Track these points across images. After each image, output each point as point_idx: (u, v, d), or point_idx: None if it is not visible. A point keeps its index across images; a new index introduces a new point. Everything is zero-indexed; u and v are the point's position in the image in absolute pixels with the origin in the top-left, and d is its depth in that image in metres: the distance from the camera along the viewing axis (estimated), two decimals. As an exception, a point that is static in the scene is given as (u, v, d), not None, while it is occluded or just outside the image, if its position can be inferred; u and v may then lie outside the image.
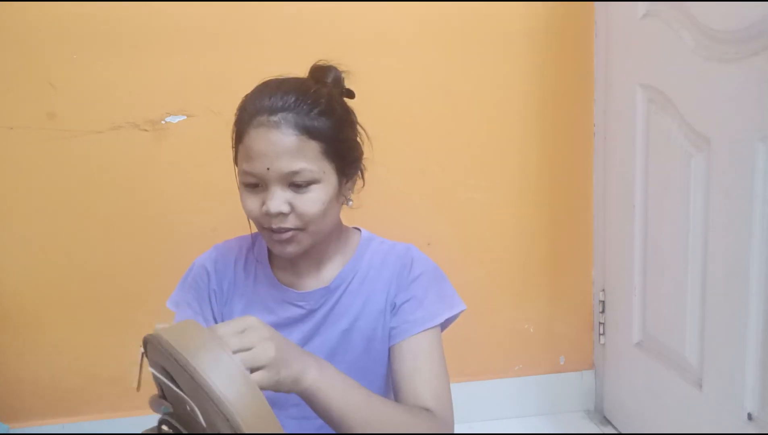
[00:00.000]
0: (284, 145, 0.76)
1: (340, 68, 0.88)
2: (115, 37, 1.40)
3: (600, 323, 1.63)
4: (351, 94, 0.90)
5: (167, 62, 1.42)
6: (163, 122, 1.45)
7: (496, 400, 1.63)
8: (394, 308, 0.88)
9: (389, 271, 0.90)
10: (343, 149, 0.82)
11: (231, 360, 0.55)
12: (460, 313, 0.90)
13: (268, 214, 0.78)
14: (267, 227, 0.80)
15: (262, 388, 0.59)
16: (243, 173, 0.80)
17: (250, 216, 0.82)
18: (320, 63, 0.88)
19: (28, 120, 1.42)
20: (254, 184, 0.80)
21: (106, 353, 1.52)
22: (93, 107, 1.42)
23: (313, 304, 0.89)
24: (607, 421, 1.63)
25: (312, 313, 0.89)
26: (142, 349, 0.61)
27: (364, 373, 0.88)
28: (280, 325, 0.89)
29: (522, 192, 1.59)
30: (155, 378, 0.59)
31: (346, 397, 0.70)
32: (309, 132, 0.77)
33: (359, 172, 0.90)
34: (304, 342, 0.88)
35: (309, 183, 0.79)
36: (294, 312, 0.89)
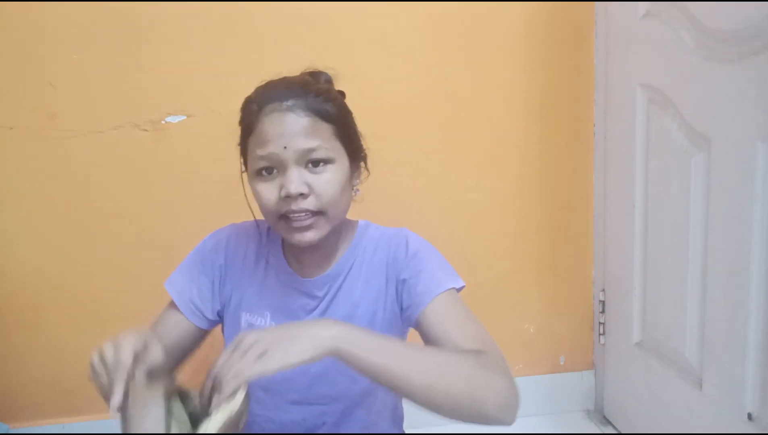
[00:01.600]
0: (300, 124, 0.79)
1: (329, 71, 0.91)
2: (115, 37, 1.40)
3: (600, 323, 1.63)
4: (342, 95, 0.91)
5: (167, 62, 1.42)
6: (163, 122, 1.45)
7: (496, 400, 1.63)
8: (398, 288, 0.88)
9: (383, 253, 0.91)
10: (350, 133, 0.86)
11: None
12: (461, 288, 0.90)
13: (288, 196, 0.79)
14: (285, 213, 0.80)
15: (285, 368, 0.64)
16: (257, 159, 0.80)
17: (266, 205, 0.82)
18: (310, 69, 0.90)
19: (28, 120, 1.42)
20: (269, 171, 0.80)
21: (106, 353, 1.52)
22: (93, 107, 1.42)
23: (317, 292, 0.90)
24: (607, 421, 1.63)
25: (317, 302, 0.90)
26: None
27: None
28: (289, 315, 0.90)
29: (522, 192, 1.59)
30: None
31: (382, 347, 0.70)
32: (320, 114, 0.81)
33: (364, 162, 0.91)
34: None
35: (325, 162, 0.81)
36: (300, 301, 0.91)
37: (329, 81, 0.89)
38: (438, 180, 1.55)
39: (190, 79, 1.43)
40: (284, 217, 0.81)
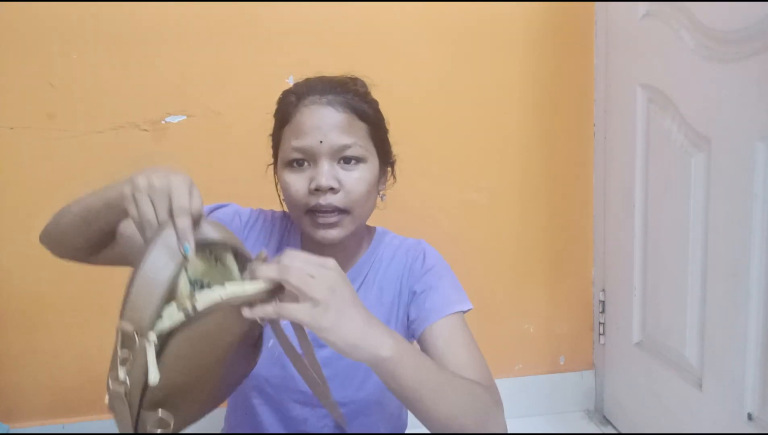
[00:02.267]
0: (337, 119, 0.80)
1: (367, 81, 0.90)
2: (115, 37, 1.40)
3: (600, 323, 1.63)
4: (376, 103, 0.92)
5: (167, 62, 1.42)
6: (163, 122, 1.44)
7: (496, 400, 1.63)
8: (414, 296, 0.89)
9: (399, 263, 0.91)
10: (383, 136, 0.88)
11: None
12: (467, 311, 0.91)
13: (319, 189, 0.78)
14: (312, 207, 0.80)
15: (297, 321, 0.59)
16: (291, 150, 0.81)
17: (294, 197, 0.81)
18: (348, 74, 0.90)
19: (28, 120, 1.42)
20: (301, 163, 0.80)
21: (106, 353, 1.51)
22: (93, 107, 1.42)
23: None
24: (607, 421, 1.63)
25: None
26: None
27: None
28: None
29: (522, 192, 1.59)
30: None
31: (421, 371, 0.67)
32: (357, 113, 0.82)
33: (392, 168, 0.93)
34: None
35: (357, 160, 0.81)
36: None
37: (365, 87, 0.90)
38: (438, 180, 1.55)
39: (190, 79, 1.43)
40: (311, 212, 0.81)
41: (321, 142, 0.78)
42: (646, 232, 1.39)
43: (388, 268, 0.91)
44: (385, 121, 0.90)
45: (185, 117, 1.45)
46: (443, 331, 0.84)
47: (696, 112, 1.19)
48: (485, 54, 1.52)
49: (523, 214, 1.60)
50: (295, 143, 0.80)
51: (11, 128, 1.42)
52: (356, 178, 0.81)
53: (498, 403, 0.76)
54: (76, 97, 1.42)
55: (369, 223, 1.00)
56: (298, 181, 0.81)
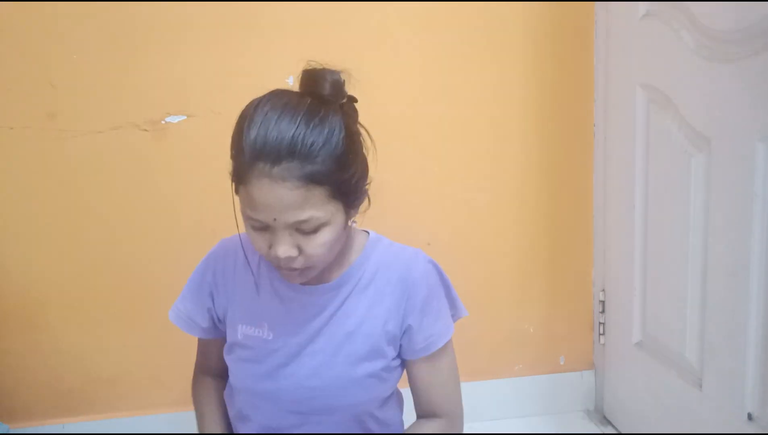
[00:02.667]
0: (290, 198, 0.72)
1: (337, 69, 0.79)
2: (115, 37, 1.40)
3: (600, 323, 1.63)
4: (353, 101, 0.84)
5: (167, 62, 1.42)
6: (163, 122, 1.44)
7: (496, 400, 1.63)
8: (408, 328, 0.89)
9: (396, 272, 0.89)
10: (350, 187, 0.78)
11: None
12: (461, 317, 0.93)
13: (277, 258, 0.77)
14: (274, 263, 0.80)
15: None
16: (248, 217, 0.77)
17: (257, 250, 0.80)
18: (311, 67, 0.79)
19: (28, 120, 1.42)
20: (260, 228, 0.77)
21: (106, 353, 1.52)
22: (93, 107, 1.42)
23: (318, 299, 0.89)
24: (607, 421, 1.63)
25: (319, 312, 0.89)
26: None
27: (365, 375, 0.89)
28: (287, 323, 0.89)
29: (522, 192, 1.59)
30: None
31: None
32: (314, 179, 0.73)
33: (366, 196, 0.86)
34: (310, 341, 0.88)
35: (317, 228, 0.76)
36: (300, 309, 0.89)
37: (336, 85, 0.78)
38: (438, 180, 1.55)
39: (190, 79, 1.43)
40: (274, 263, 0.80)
41: (275, 220, 0.74)
42: (646, 232, 1.39)
43: (385, 281, 0.89)
44: (358, 148, 0.80)
45: (185, 117, 1.45)
46: (424, 369, 0.92)
47: (696, 112, 1.19)
48: (485, 54, 1.51)
49: (523, 214, 1.60)
50: (250, 214, 0.76)
51: (11, 128, 1.42)
52: (318, 243, 0.77)
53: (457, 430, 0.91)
54: (76, 97, 1.42)
55: (368, 225, 1.00)
56: (259, 241, 0.78)
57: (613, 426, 1.60)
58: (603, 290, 1.61)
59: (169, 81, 1.43)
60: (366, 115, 0.90)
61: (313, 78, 0.78)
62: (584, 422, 1.64)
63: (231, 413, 0.98)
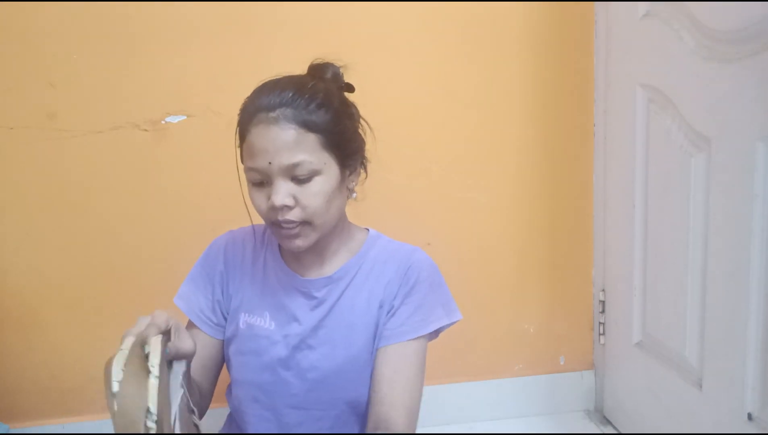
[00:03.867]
0: (283, 139, 0.78)
1: (338, 63, 0.90)
2: (115, 37, 1.40)
3: (600, 323, 1.63)
4: (350, 89, 0.91)
5: (167, 62, 1.42)
6: (163, 122, 1.45)
7: (496, 400, 1.63)
8: (390, 309, 0.89)
9: (392, 269, 0.91)
10: (342, 141, 0.84)
11: None
12: (455, 322, 0.92)
13: (274, 208, 0.80)
14: (275, 222, 0.82)
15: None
16: (248, 170, 0.82)
17: (258, 211, 0.84)
18: (317, 61, 0.90)
19: (28, 120, 1.42)
20: (260, 182, 0.82)
21: (107, 353, 1.52)
22: (93, 107, 1.42)
23: (315, 292, 0.90)
24: (607, 421, 1.63)
25: (319, 304, 0.90)
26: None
27: (365, 367, 0.89)
28: (288, 314, 0.91)
29: (522, 192, 1.59)
30: None
31: None
32: (307, 125, 0.80)
33: (362, 164, 0.91)
34: (311, 332, 0.89)
35: (310, 175, 0.80)
36: (299, 300, 0.91)
37: (336, 75, 0.89)
38: (438, 180, 1.55)
39: (190, 79, 1.43)
40: (275, 223, 0.82)
41: (270, 163, 0.79)
42: (646, 232, 1.39)
43: (381, 274, 0.91)
44: (353, 114, 0.88)
45: (185, 117, 1.45)
46: (402, 354, 0.87)
47: (696, 112, 1.19)
48: (485, 54, 1.51)
49: (523, 214, 1.60)
50: (249, 164, 0.81)
51: (11, 128, 1.42)
52: (312, 193, 0.81)
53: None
54: (76, 97, 1.42)
55: (368, 223, 1.00)
56: (259, 198, 0.83)
57: (613, 426, 1.60)
58: (603, 290, 1.61)
59: (169, 81, 1.43)
60: (366, 116, 0.91)
61: (316, 67, 0.89)
62: (584, 422, 1.64)
63: (231, 407, 0.98)
